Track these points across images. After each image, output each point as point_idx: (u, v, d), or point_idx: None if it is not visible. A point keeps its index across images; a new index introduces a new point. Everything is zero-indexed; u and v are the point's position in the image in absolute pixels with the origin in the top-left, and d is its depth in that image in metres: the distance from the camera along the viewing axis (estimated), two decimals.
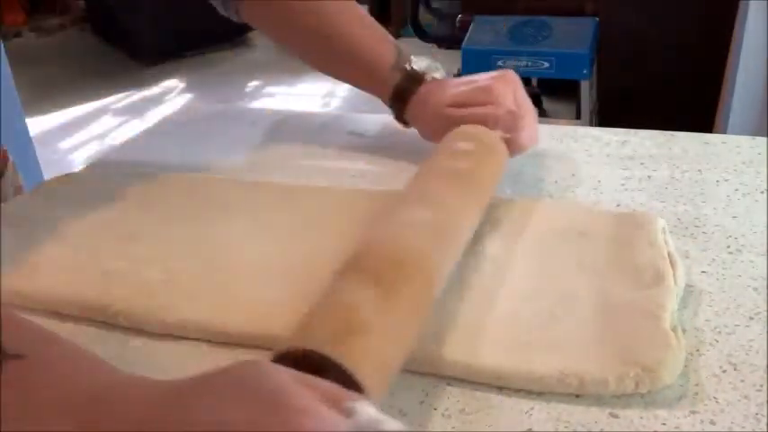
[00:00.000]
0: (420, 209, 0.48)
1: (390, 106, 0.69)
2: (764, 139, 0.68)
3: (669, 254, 0.49)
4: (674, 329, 0.43)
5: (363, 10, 0.71)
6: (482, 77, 0.65)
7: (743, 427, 0.38)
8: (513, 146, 0.61)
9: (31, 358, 0.29)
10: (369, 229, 0.47)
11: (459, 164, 0.55)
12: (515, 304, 0.47)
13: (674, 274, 0.47)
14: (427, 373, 0.43)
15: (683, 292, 0.48)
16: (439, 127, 0.62)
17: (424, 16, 3.03)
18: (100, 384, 0.31)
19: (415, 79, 0.66)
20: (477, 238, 0.54)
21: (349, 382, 0.34)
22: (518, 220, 0.56)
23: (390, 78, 0.67)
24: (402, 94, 0.67)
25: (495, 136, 0.59)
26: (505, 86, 0.63)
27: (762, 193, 0.60)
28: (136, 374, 0.33)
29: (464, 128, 0.60)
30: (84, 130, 2.94)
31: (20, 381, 0.28)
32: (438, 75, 0.67)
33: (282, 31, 0.74)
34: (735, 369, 0.42)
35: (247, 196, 0.64)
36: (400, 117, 0.69)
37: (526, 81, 2.21)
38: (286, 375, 0.30)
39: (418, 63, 0.67)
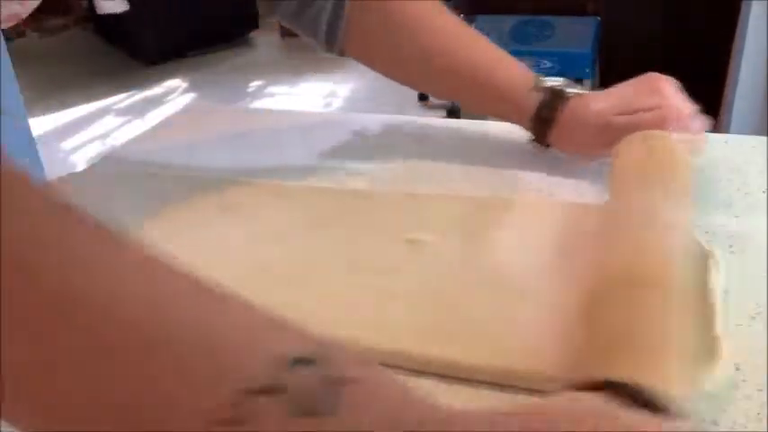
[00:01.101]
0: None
1: (530, 128, 0.65)
2: (766, 138, 0.68)
3: (710, 253, 0.49)
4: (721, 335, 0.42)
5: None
6: (634, 82, 0.61)
7: (745, 427, 0.38)
8: (695, 149, 0.57)
9: (363, 383, 0.26)
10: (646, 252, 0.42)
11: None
12: (541, 307, 0.46)
13: (716, 275, 0.47)
14: (429, 372, 0.43)
15: None
16: (603, 139, 0.58)
17: None
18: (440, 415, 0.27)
19: (560, 96, 0.63)
20: (484, 242, 0.54)
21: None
22: (523, 221, 0.56)
23: (530, 99, 0.63)
24: (547, 113, 0.63)
25: (683, 145, 0.55)
26: (670, 86, 0.59)
27: (763, 192, 0.60)
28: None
29: (652, 135, 0.55)
30: (86, 131, 2.94)
31: (354, 407, 0.26)
32: (577, 90, 0.64)
33: (398, 61, 0.70)
34: (737, 369, 0.41)
35: (247, 196, 0.64)
36: (542, 139, 0.65)
37: None
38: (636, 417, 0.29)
39: (553, 81, 0.64)
